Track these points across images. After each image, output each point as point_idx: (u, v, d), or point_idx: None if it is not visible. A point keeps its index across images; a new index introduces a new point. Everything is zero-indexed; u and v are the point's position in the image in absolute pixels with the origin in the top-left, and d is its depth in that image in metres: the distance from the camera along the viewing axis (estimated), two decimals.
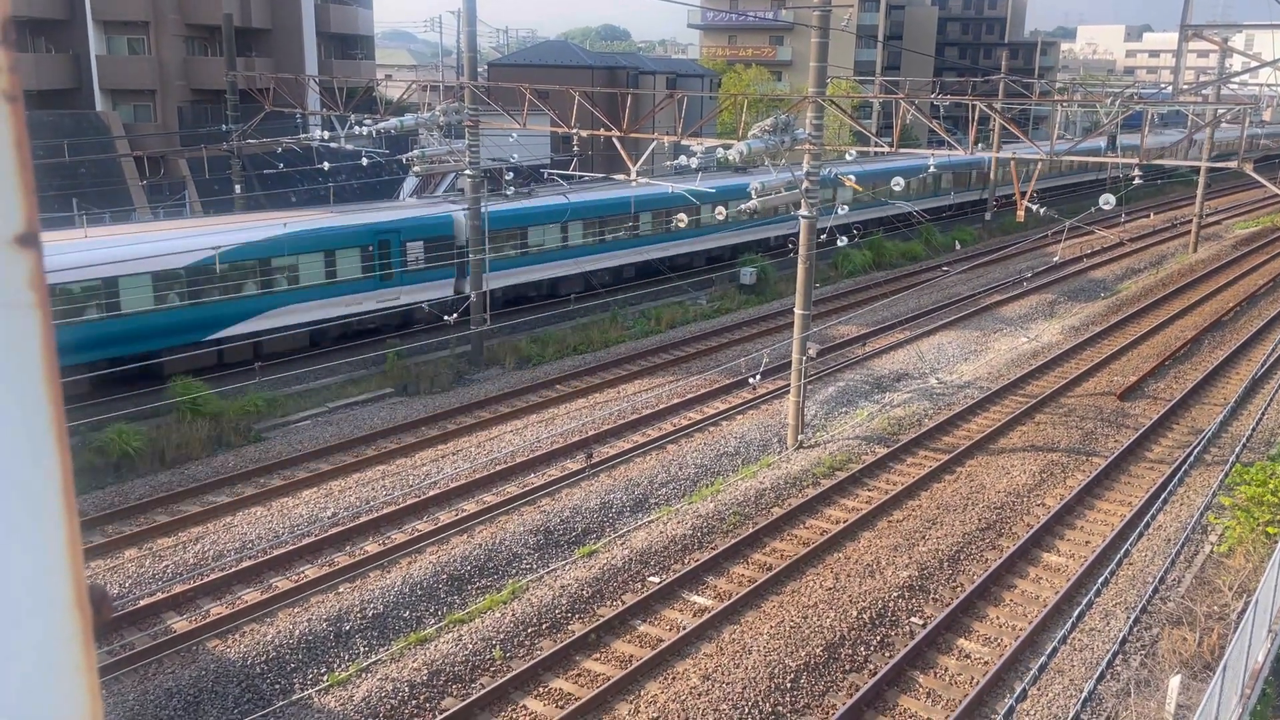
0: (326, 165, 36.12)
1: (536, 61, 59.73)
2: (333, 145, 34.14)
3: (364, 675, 15.20)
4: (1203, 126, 40.54)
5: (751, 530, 19.89)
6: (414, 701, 14.73)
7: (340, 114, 32.98)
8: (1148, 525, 19.85)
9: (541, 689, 15.05)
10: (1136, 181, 31.49)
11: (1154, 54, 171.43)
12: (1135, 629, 16.11)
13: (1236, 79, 56.20)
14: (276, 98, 35.82)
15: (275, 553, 18.39)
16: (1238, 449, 23.34)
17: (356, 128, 32.26)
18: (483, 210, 29.63)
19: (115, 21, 44.04)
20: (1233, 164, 24.55)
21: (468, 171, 29.47)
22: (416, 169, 31.13)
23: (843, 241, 33.61)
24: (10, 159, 0.75)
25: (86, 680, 0.88)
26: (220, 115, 39.84)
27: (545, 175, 38.55)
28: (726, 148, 22.35)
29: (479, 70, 43.69)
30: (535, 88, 28.56)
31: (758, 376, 26.26)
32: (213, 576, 17.57)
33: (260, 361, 27.36)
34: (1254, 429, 25.02)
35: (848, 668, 15.66)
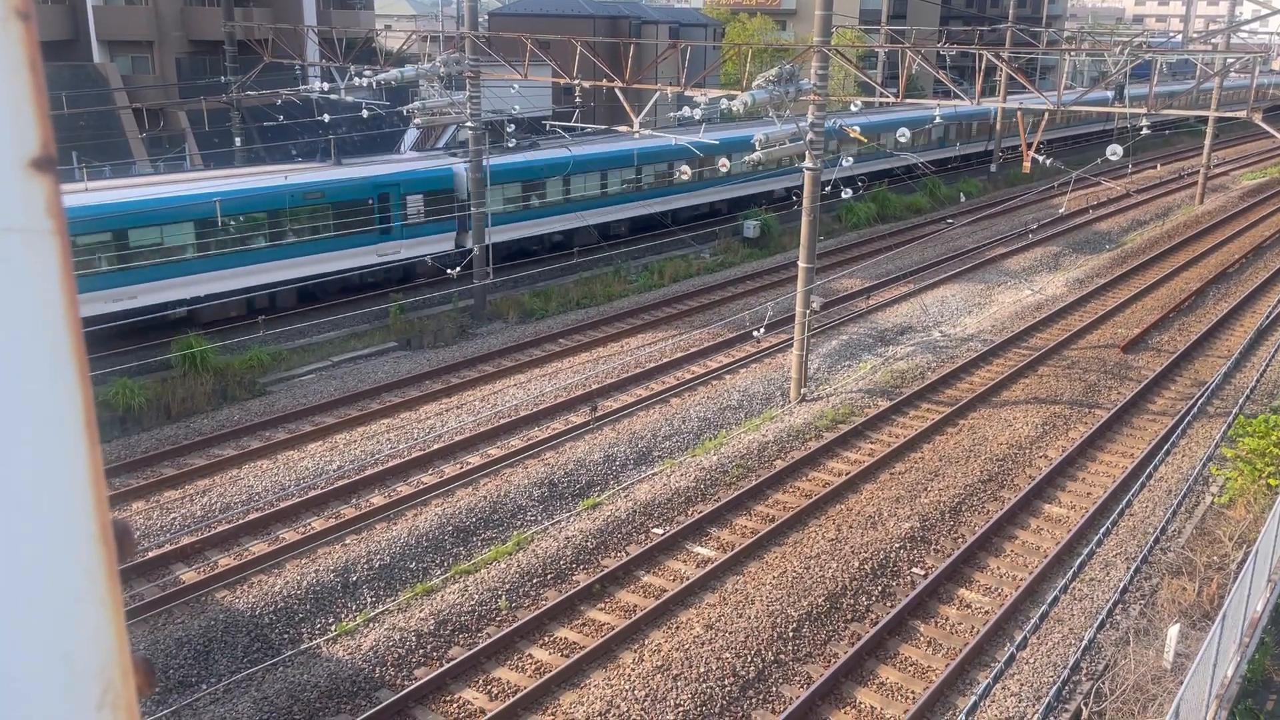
0: (326, 117, 35.77)
1: (537, 11, 58.89)
2: (332, 97, 33.78)
3: (371, 625, 15.38)
4: (1212, 76, 40.05)
5: (754, 482, 19.99)
6: (421, 651, 14.92)
7: (340, 65, 32.59)
8: (1149, 477, 19.98)
9: (547, 638, 15.24)
10: (1144, 132, 31.19)
11: (1163, 2, 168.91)
12: (1135, 579, 16.24)
13: (1246, 27, 55.45)
14: (275, 49, 35.38)
15: (282, 505, 18.53)
16: (1241, 401, 23.42)
17: (356, 79, 31.88)
18: (485, 163, 29.38)
19: None
20: (1242, 114, 24.26)
21: (469, 123, 29.20)
22: (417, 121, 30.86)
23: (847, 194, 33.39)
24: (24, 80, 0.73)
25: (112, 614, 0.88)
26: (219, 67, 39.41)
27: (547, 127, 38.19)
28: (730, 99, 22.08)
29: (479, 20, 43.15)
30: (536, 38, 28.19)
31: (761, 330, 26.23)
32: (220, 529, 17.72)
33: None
34: (1257, 381, 25.07)
35: (849, 617, 15.83)
